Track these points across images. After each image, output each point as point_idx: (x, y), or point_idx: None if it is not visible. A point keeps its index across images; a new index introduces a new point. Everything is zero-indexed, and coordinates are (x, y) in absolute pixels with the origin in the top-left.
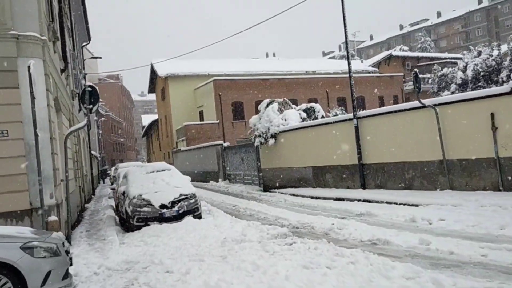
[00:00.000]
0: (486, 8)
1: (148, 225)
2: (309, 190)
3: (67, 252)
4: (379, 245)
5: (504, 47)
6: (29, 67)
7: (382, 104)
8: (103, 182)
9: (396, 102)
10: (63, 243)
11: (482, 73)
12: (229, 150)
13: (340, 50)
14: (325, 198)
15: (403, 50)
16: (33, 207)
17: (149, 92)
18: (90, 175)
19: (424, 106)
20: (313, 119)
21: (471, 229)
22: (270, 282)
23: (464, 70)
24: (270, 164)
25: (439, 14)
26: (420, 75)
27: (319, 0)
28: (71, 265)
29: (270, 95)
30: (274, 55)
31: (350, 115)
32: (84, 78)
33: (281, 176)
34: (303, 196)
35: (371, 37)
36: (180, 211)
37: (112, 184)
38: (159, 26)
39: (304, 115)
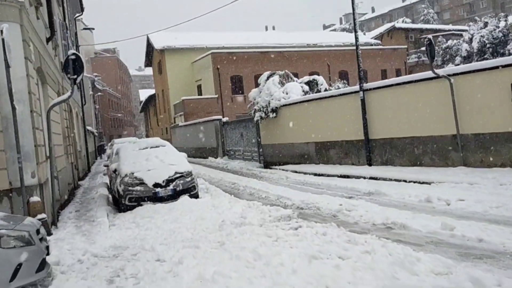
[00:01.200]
0: None
1: (141, 205)
2: (312, 166)
3: (43, 240)
4: (395, 230)
5: (511, 19)
6: (1, 31)
7: (385, 77)
8: (101, 158)
9: (399, 75)
10: (37, 230)
11: (488, 45)
12: (228, 126)
13: (341, 23)
14: (329, 175)
15: (405, 22)
16: (13, 187)
17: (145, 66)
18: (85, 151)
19: (437, 77)
20: (316, 92)
21: (495, 211)
22: (275, 277)
23: (470, 42)
24: (271, 140)
25: None
26: (423, 48)
27: None
28: (47, 254)
29: (270, 69)
30: (273, 28)
31: (356, 88)
32: (77, 50)
33: (283, 152)
34: (305, 173)
35: (373, 10)
36: (176, 190)
37: (108, 159)
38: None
39: (306, 88)
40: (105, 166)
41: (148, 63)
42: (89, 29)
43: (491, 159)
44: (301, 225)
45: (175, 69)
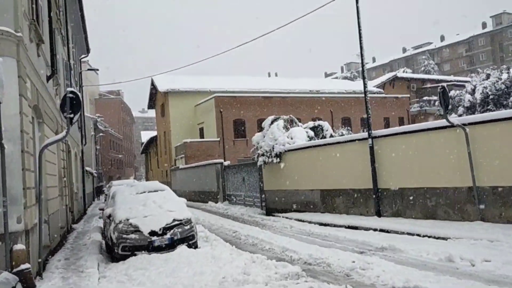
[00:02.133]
0: (491, 33)
1: (135, 254)
2: (316, 215)
3: None
4: None
5: None
6: None
7: (387, 125)
8: (98, 199)
9: (402, 124)
10: (14, 286)
11: (491, 96)
12: (230, 170)
13: (342, 71)
14: (335, 226)
15: (406, 72)
16: None
17: (148, 108)
18: (83, 193)
19: (452, 126)
20: (321, 138)
21: None
22: None
23: (473, 93)
24: (274, 186)
25: (442, 38)
26: (426, 98)
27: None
28: None
29: (273, 114)
30: (276, 74)
31: (364, 134)
32: (81, 90)
33: (286, 199)
34: (310, 222)
35: (374, 59)
36: (173, 239)
37: (104, 201)
38: (163, 44)
39: (311, 133)
40: (100, 209)
41: (152, 105)
42: (93, 70)
43: (511, 214)
44: (312, 287)
45: (178, 111)
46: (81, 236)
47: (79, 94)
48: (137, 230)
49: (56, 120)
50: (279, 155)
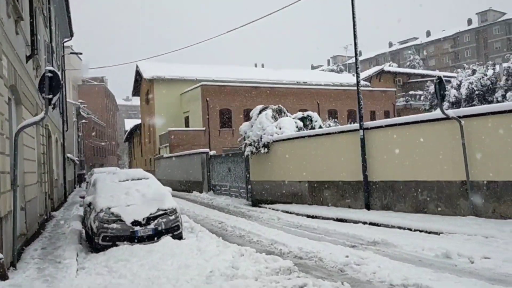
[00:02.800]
0: (476, 29)
1: (117, 245)
2: (304, 207)
3: None
4: None
5: (498, 68)
6: None
7: (373, 118)
8: (80, 187)
9: (387, 117)
10: None
11: (477, 92)
12: (215, 159)
13: (328, 64)
14: (323, 218)
15: (392, 67)
16: None
17: (133, 95)
18: (63, 180)
19: (447, 118)
20: (310, 129)
21: None
22: None
23: (458, 88)
24: (261, 177)
25: (428, 33)
26: (412, 92)
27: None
28: None
29: (260, 104)
30: (262, 66)
31: (355, 126)
32: (63, 74)
33: (273, 190)
34: (297, 214)
35: (360, 53)
36: (157, 230)
37: (85, 189)
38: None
39: (300, 124)
40: (81, 197)
41: (136, 92)
42: (76, 53)
43: (505, 209)
44: (306, 283)
45: (163, 99)
46: (61, 224)
47: (59, 74)
48: (119, 220)
49: (36, 103)
50: (267, 145)
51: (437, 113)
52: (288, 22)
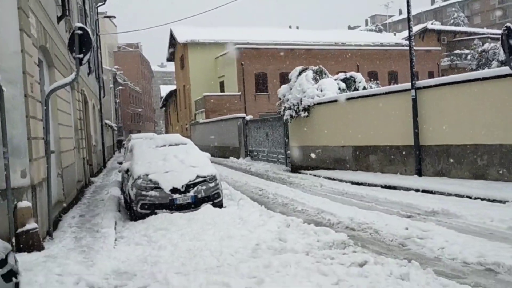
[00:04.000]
0: None
1: (156, 213)
2: (348, 173)
3: (11, 275)
4: (503, 276)
5: None
6: None
7: (416, 79)
8: (119, 152)
9: (432, 77)
10: (4, 258)
11: None
12: (252, 124)
13: (366, 24)
14: (369, 185)
15: (435, 25)
16: None
17: (167, 60)
18: (102, 146)
19: None
20: (353, 91)
21: None
22: None
23: None
24: (301, 142)
25: None
26: (457, 51)
27: None
28: None
29: (297, 67)
30: (297, 28)
31: (406, 85)
32: (98, 39)
33: (313, 156)
34: (341, 181)
35: (400, 12)
36: (197, 197)
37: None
38: None
39: (343, 85)
40: (118, 163)
41: (171, 57)
42: (110, 17)
43: None
44: (366, 260)
45: (198, 64)
46: (99, 191)
47: (89, 31)
48: (157, 187)
49: (71, 67)
50: (307, 109)
51: (504, 69)
52: None
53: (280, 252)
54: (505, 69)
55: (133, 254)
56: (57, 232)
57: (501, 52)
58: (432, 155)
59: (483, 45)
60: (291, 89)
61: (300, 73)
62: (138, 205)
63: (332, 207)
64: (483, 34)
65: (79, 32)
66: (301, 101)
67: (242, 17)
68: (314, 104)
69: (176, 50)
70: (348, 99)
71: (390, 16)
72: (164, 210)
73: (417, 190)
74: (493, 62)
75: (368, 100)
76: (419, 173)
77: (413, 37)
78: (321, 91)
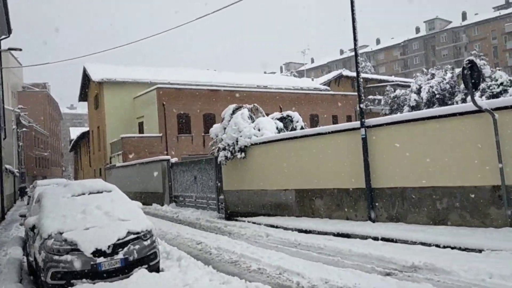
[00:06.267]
0: (424, 37)
1: (72, 285)
2: (291, 220)
3: None
4: None
5: (457, 70)
6: None
7: (336, 123)
8: (22, 200)
9: (350, 121)
10: None
11: (437, 96)
12: (178, 167)
13: (281, 71)
14: (319, 233)
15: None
16: None
17: (80, 100)
18: (0, 194)
19: (478, 111)
20: (291, 130)
21: None
22: None
23: (418, 92)
24: (236, 185)
25: (378, 41)
26: (371, 97)
27: (260, 18)
28: None
29: (220, 109)
30: (214, 71)
31: (355, 123)
32: (0, 73)
33: (251, 201)
34: (286, 229)
35: (312, 60)
36: (128, 261)
37: (27, 205)
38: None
39: (280, 124)
40: (21, 216)
41: (83, 97)
42: (15, 49)
43: None
44: None
45: (114, 104)
46: None
47: None
48: (74, 249)
49: None
50: (243, 149)
51: (464, 105)
52: (240, 28)
53: None
54: (468, 106)
55: None
56: None
57: (412, 97)
58: (386, 199)
59: (394, 91)
60: (225, 128)
61: (234, 112)
62: (49, 274)
63: (294, 264)
64: (393, 81)
65: None
66: (237, 141)
67: (154, 59)
68: (252, 144)
69: (90, 89)
70: (290, 138)
71: (302, 64)
72: (84, 280)
73: (375, 239)
74: (404, 107)
75: (312, 140)
76: (371, 219)
77: (330, 82)
78: (259, 130)
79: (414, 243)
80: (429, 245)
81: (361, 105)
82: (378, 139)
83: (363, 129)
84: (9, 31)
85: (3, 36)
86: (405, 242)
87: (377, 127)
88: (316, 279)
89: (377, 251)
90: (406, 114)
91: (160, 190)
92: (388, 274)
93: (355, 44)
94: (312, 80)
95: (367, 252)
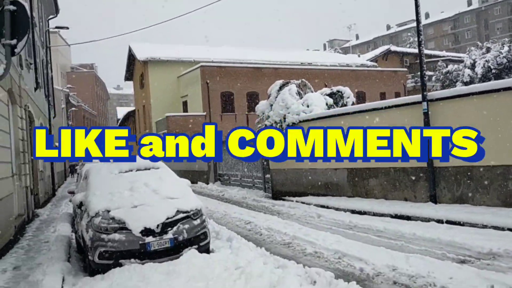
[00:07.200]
0: (476, 10)
1: (121, 264)
2: (343, 200)
3: None
4: None
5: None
6: None
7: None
8: (72, 177)
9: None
10: None
11: (493, 71)
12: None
13: (325, 48)
14: (375, 214)
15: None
16: None
17: (126, 80)
18: (51, 171)
19: None
20: (341, 106)
21: None
22: None
23: (472, 67)
24: (284, 164)
25: (427, 15)
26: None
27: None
28: None
29: (264, 87)
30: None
31: (416, 97)
32: (48, 51)
33: (299, 180)
34: (337, 209)
35: (357, 37)
36: (177, 240)
37: (75, 183)
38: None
39: (330, 100)
40: (69, 192)
41: (129, 76)
42: (62, 28)
43: None
44: None
45: (159, 83)
46: (44, 227)
47: (26, 7)
48: (123, 228)
49: (11, 78)
50: (291, 127)
51: None
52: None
53: None
54: None
55: None
56: None
57: (466, 73)
58: (449, 179)
59: (446, 66)
60: (271, 105)
61: (281, 88)
62: (96, 253)
63: (353, 248)
64: (443, 57)
65: (11, 7)
66: (284, 118)
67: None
68: (300, 121)
69: (135, 68)
70: (341, 114)
71: (348, 41)
72: (132, 260)
73: (439, 221)
74: (457, 83)
75: (367, 116)
76: (434, 200)
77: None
78: (308, 106)
79: (485, 226)
80: (502, 229)
81: (424, 79)
82: (441, 114)
83: (424, 103)
84: (57, 11)
85: (51, 16)
86: (473, 225)
87: (440, 101)
88: (381, 265)
89: (446, 236)
90: (471, 86)
91: (205, 168)
92: (463, 262)
93: (417, 13)
94: (359, 56)
95: (435, 237)
